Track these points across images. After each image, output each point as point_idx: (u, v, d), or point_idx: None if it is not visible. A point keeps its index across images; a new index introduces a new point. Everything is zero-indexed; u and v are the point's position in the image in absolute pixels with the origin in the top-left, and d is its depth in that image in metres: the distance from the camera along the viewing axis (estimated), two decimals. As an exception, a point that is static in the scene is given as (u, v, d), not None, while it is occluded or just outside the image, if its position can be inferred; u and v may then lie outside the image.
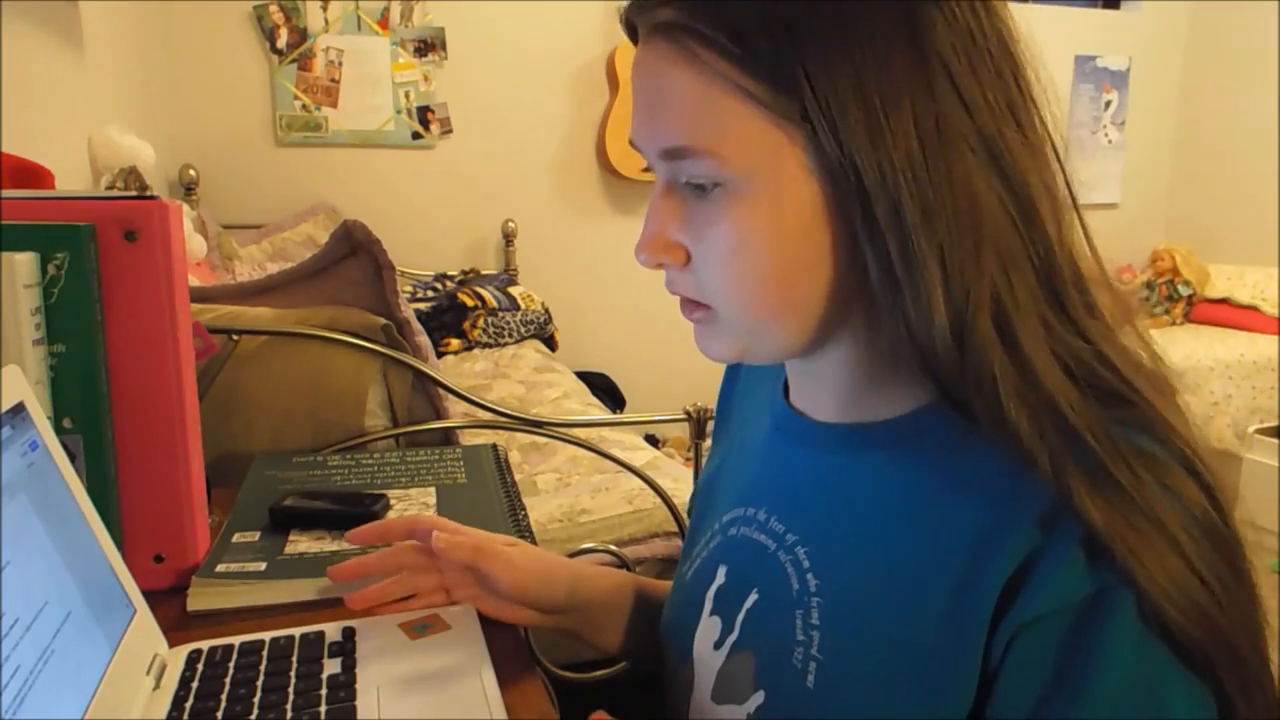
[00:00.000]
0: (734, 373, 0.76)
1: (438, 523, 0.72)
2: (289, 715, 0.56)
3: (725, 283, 0.52)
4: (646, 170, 0.55)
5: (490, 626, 0.67)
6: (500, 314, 2.84)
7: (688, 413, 1.26)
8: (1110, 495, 0.45)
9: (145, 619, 0.62)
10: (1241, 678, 0.45)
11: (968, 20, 0.48)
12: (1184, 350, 3.35)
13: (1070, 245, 0.51)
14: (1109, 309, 0.51)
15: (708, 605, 0.62)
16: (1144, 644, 0.44)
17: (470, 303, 2.80)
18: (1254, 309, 3.62)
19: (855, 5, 0.47)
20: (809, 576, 0.55)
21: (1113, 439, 0.46)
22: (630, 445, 1.80)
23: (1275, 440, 2.86)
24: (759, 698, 0.55)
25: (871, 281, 0.49)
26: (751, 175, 0.49)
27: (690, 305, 0.55)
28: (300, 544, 0.79)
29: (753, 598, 0.59)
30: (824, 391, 0.59)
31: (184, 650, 0.63)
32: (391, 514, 0.86)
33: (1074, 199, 0.52)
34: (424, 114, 3.18)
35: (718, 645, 0.60)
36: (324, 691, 0.58)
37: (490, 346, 2.80)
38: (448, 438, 1.16)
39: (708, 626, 0.62)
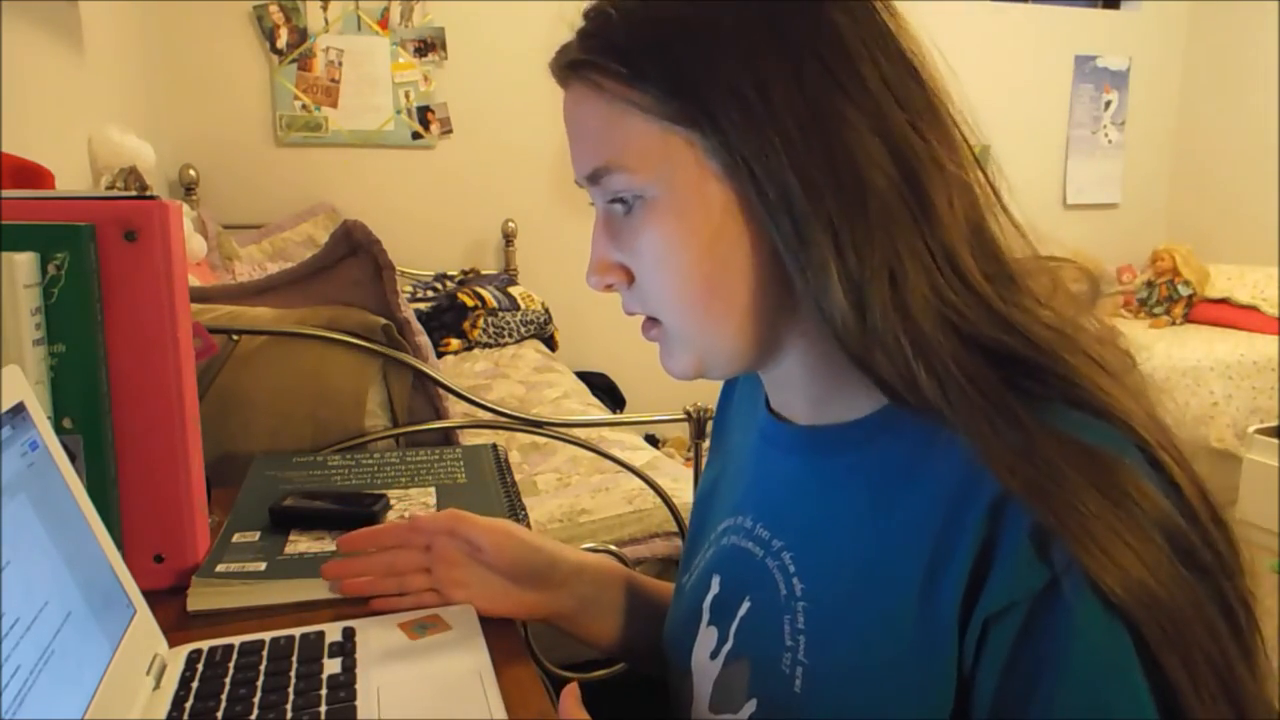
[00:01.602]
0: (730, 387, 0.77)
1: (424, 521, 0.73)
2: (289, 715, 0.56)
3: (660, 290, 0.56)
4: (592, 204, 0.61)
5: (490, 626, 0.67)
6: (500, 314, 2.84)
7: (688, 413, 1.26)
8: (1015, 459, 0.46)
9: (145, 619, 0.62)
10: (1189, 662, 0.44)
11: (837, 16, 0.51)
12: (1184, 350, 3.34)
13: (976, 215, 0.52)
14: (1044, 287, 0.52)
15: (705, 616, 0.63)
16: (1109, 625, 0.44)
17: (470, 303, 2.80)
18: (1254, 309, 3.62)
19: (726, 15, 0.51)
20: (795, 581, 0.56)
21: (1016, 409, 0.47)
22: (630, 445, 1.80)
23: (1275, 440, 2.86)
24: (752, 706, 0.56)
25: (787, 268, 0.52)
26: (659, 182, 0.53)
27: (647, 324, 0.59)
28: (300, 544, 0.79)
29: (745, 606, 0.59)
30: (794, 396, 0.60)
31: (184, 650, 0.63)
32: (391, 514, 0.86)
33: (986, 174, 0.53)
34: (424, 114, 3.18)
35: (714, 655, 0.61)
36: (324, 691, 0.58)
37: (490, 346, 2.80)
38: (448, 438, 1.16)
39: (705, 637, 0.62)
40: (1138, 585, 0.43)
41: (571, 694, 0.52)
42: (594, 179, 0.56)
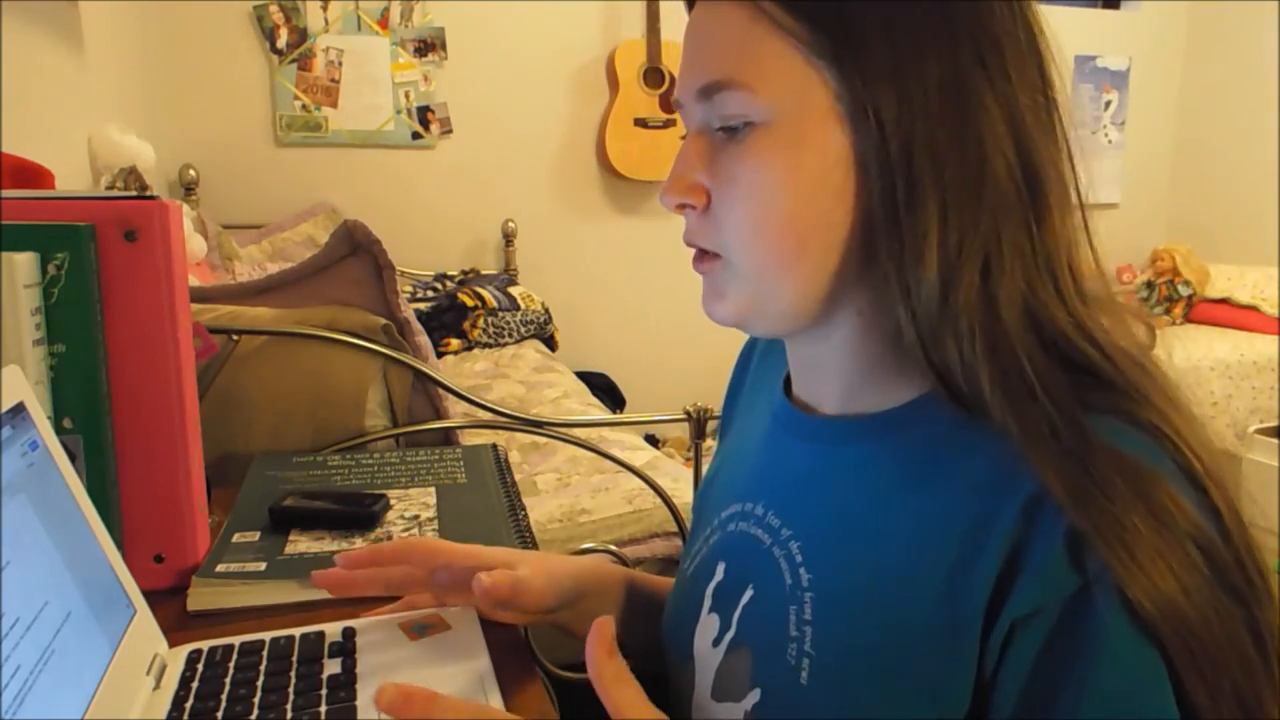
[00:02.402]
0: (743, 369, 0.76)
1: (430, 546, 0.70)
2: (289, 715, 0.56)
3: (741, 223, 0.53)
4: (685, 138, 0.57)
5: (490, 626, 0.67)
6: (500, 314, 2.84)
7: (688, 413, 1.26)
8: (1064, 463, 0.45)
9: (145, 619, 0.62)
10: (1214, 687, 0.43)
11: (1000, 9, 0.51)
12: (1184, 350, 3.34)
13: (1071, 237, 0.52)
14: (1119, 330, 0.52)
15: (707, 602, 0.62)
16: (1139, 639, 0.43)
17: (470, 303, 2.80)
18: (1254, 309, 3.62)
19: None
20: (801, 571, 0.55)
21: (1074, 409, 0.47)
22: (630, 445, 1.80)
23: (1275, 440, 2.86)
24: (755, 695, 0.55)
25: (875, 227, 0.50)
26: (781, 111, 0.51)
27: (702, 257, 0.57)
28: (300, 544, 0.79)
29: (749, 594, 0.59)
30: (827, 381, 0.59)
31: (184, 650, 0.63)
32: (391, 514, 0.86)
33: (1081, 199, 0.53)
34: (424, 114, 3.18)
35: (716, 643, 0.60)
36: (324, 691, 0.58)
37: (490, 346, 2.80)
38: (448, 438, 1.16)
39: (706, 624, 0.62)
40: (1169, 604, 0.43)
41: (603, 636, 0.47)
42: (708, 93, 0.53)
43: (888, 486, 0.53)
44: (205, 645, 0.63)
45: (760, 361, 0.73)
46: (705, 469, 0.79)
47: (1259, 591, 0.46)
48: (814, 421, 0.60)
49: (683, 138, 0.57)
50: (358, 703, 0.57)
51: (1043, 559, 0.45)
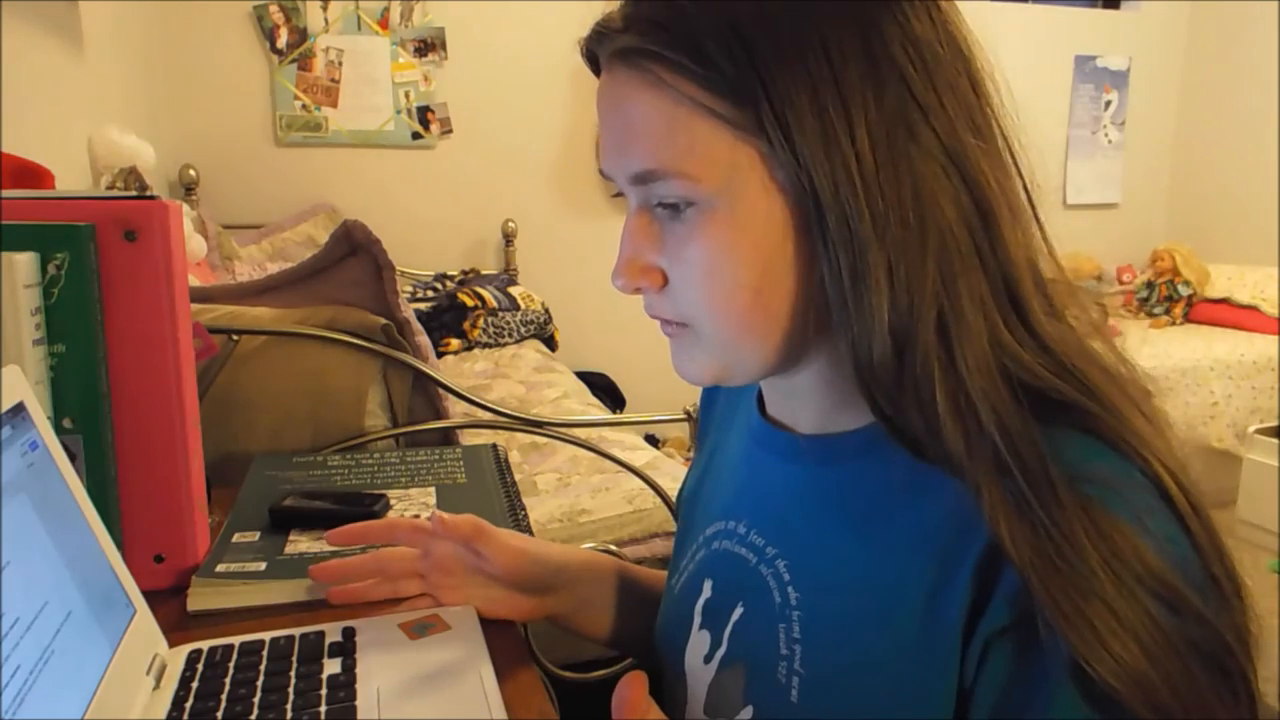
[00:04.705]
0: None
1: (416, 523, 0.72)
2: (289, 715, 0.56)
3: (703, 299, 0.52)
4: (617, 196, 0.56)
5: (490, 626, 0.67)
6: (500, 314, 2.84)
7: (688, 413, 1.26)
8: (1032, 531, 0.43)
9: (145, 619, 0.62)
10: None
11: (924, 29, 0.49)
12: (1184, 350, 3.34)
13: (1031, 250, 0.51)
14: (1077, 316, 0.51)
15: (696, 619, 0.63)
16: (1081, 704, 0.42)
17: (470, 303, 2.80)
18: (1254, 309, 3.62)
19: (811, 18, 0.47)
20: (789, 589, 0.55)
21: (1044, 464, 0.45)
22: (630, 445, 1.80)
23: (1275, 440, 2.86)
24: (748, 712, 0.55)
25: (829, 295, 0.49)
26: (721, 192, 0.50)
27: (669, 324, 0.56)
28: (300, 544, 0.79)
29: (739, 611, 0.59)
30: (801, 407, 0.59)
31: (184, 650, 0.63)
32: (391, 514, 0.86)
33: (1032, 204, 0.52)
34: (424, 114, 3.18)
35: (708, 659, 0.60)
36: (324, 691, 0.58)
37: (490, 346, 2.80)
38: (448, 438, 1.16)
39: (697, 640, 0.62)
40: (1135, 676, 0.41)
41: (637, 685, 0.46)
42: (643, 180, 0.52)
43: (867, 504, 0.53)
44: (205, 645, 0.63)
45: None
46: (689, 468, 0.79)
47: (1240, 633, 0.45)
48: (793, 440, 0.60)
49: (617, 194, 0.56)
50: (358, 703, 0.57)
51: (1013, 579, 0.44)
